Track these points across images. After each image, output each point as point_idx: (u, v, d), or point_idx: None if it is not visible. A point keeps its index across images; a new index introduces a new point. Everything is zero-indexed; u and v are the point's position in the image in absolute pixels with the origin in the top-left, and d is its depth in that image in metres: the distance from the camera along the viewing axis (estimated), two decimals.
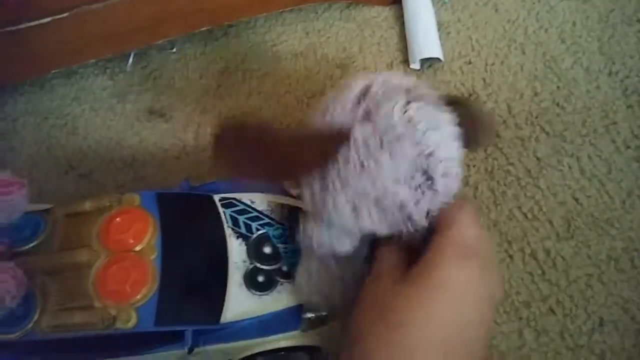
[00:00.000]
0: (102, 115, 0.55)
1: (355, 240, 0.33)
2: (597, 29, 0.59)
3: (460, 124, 0.31)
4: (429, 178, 0.30)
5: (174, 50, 0.59)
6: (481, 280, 0.30)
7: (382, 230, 0.31)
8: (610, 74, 0.56)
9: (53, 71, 0.55)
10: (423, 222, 0.31)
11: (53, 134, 0.55)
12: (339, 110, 0.31)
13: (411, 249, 0.32)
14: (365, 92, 0.31)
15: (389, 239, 0.33)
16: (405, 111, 0.30)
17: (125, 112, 0.56)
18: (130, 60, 0.58)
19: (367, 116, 0.30)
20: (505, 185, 0.50)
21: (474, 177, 0.51)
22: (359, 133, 0.29)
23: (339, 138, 0.30)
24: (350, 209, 0.30)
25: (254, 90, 0.57)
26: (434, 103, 0.31)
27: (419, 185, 0.30)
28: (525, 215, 0.49)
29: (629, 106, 0.54)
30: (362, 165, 0.29)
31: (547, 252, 0.47)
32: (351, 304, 0.31)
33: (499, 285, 0.32)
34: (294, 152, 0.29)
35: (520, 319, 0.45)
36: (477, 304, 0.30)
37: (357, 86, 0.31)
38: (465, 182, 0.51)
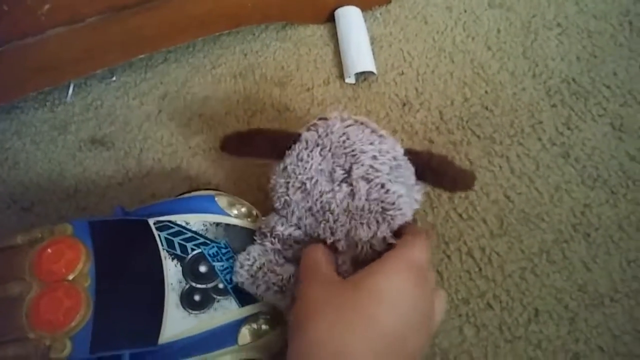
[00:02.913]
0: (43, 148, 0.56)
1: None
2: (521, 35, 0.62)
3: (437, 172, 0.39)
4: (348, 176, 0.36)
5: (114, 78, 0.60)
6: (417, 293, 0.32)
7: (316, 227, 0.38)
8: (534, 76, 0.59)
9: None
10: (344, 224, 0.36)
11: None
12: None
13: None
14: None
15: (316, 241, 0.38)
16: (346, 126, 0.38)
17: (67, 143, 0.56)
18: (70, 91, 0.59)
19: (315, 126, 0.39)
20: None
21: None
22: (306, 134, 0.39)
23: (294, 137, 0.40)
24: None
25: (195, 114, 0.58)
26: (381, 134, 0.39)
27: (339, 180, 0.36)
28: (460, 215, 0.51)
29: (553, 105, 0.57)
30: (299, 157, 0.38)
31: (483, 249, 0.49)
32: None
33: (437, 304, 0.35)
34: (267, 140, 0.41)
35: (460, 315, 0.47)
36: (411, 313, 0.32)
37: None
38: None
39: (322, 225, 0.37)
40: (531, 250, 0.49)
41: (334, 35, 0.63)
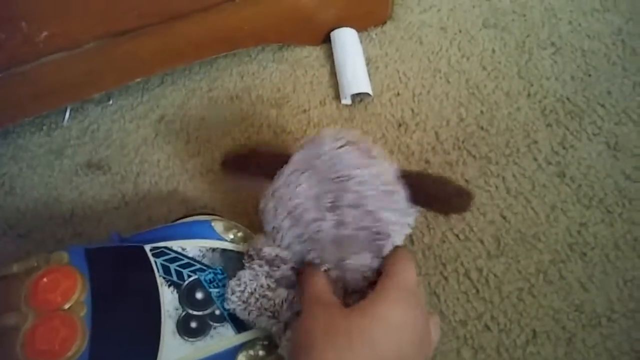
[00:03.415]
0: (39, 173, 0.56)
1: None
2: (515, 55, 0.63)
3: (429, 194, 0.39)
4: (336, 203, 0.36)
5: (111, 102, 0.60)
6: (417, 318, 0.34)
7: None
8: (529, 95, 0.60)
9: None
10: (333, 253, 0.36)
11: None
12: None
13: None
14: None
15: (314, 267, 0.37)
16: (337, 147, 0.37)
17: (64, 168, 0.56)
18: (67, 115, 0.59)
19: (305, 147, 0.38)
20: None
21: None
22: (295, 156, 0.38)
23: (287, 158, 0.39)
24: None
25: (192, 136, 0.58)
26: (372, 155, 0.38)
27: (326, 207, 0.36)
28: (457, 236, 0.51)
29: (548, 125, 0.57)
30: (288, 181, 0.37)
31: (480, 270, 0.49)
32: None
33: (433, 329, 0.36)
34: (263, 160, 0.40)
35: (458, 337, 0.46)
36: (411, 336, 0.33)
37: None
38: None
39: (311, 253, 0.36)
40: (528, 270, 0.49)
41: (330, 57, 0.63)
